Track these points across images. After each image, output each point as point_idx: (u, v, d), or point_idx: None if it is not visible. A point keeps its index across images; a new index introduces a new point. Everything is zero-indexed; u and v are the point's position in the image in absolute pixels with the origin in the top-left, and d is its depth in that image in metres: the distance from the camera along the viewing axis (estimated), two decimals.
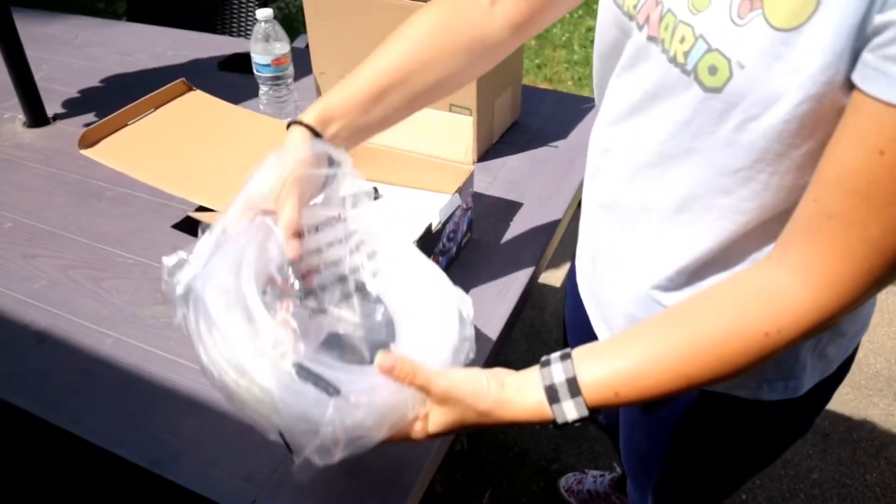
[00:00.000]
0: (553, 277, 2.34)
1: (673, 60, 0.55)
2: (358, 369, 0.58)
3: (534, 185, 1.19)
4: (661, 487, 0.92)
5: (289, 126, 0.68)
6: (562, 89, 3.33)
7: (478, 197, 1.14)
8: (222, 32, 2.05)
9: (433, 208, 0.90)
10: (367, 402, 0.54)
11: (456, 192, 0.94)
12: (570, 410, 0.57)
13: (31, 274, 1.02)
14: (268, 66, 1.27)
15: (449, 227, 0.95)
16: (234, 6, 2.06)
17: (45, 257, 1.05)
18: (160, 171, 1.01)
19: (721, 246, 0.61)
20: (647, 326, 0.58)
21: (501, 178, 1.21)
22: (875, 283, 0.49)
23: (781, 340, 0.52)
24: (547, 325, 2.16)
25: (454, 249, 1.00)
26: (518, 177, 1.21)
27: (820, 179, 0.50)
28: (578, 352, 0.58)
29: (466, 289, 0.96)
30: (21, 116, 1.41)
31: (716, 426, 0.77)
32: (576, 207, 1.20)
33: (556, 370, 0.58)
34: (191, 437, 0.77)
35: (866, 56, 0.44)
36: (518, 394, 0.59)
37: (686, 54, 0.53)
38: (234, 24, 2.07)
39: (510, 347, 2.08)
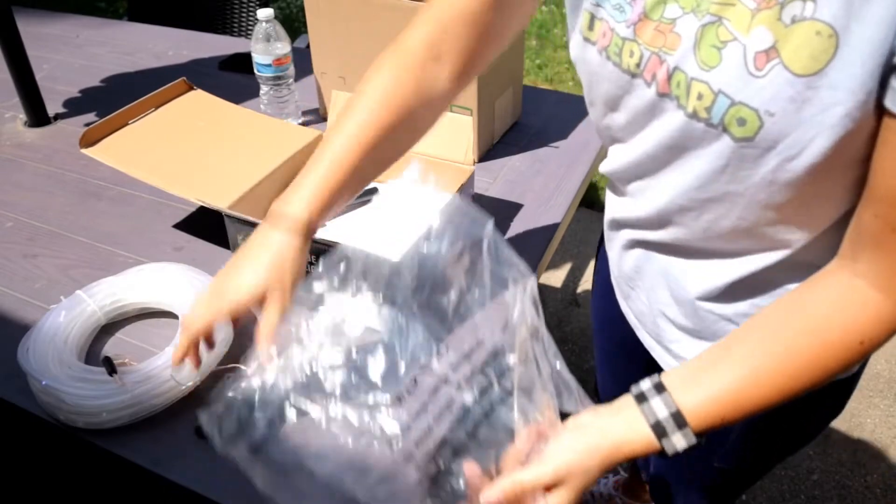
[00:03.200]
0: (553, 277, 2.34)
1: (694, 116, 0.55)
2: None
3: (534, 185, 1.18)
4: (694, 483, 0.92)
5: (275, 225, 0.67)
6: (563, 90, 3.33)
7: (478, 197, 1.14)
8: (223, 32, 2.05)
9: (433, 209, 0.90)
10: None
11: (456, 192, 0.94)
12: (680, 441, 0.57)
13: (31, 273, 1.02)
14: (269, 66, 1.27)
15: None
16: (235, 6, 2.06)
17: (45, 257, 1.05)
18: (161, 170, 1.01)
19: (772, 262, 0.63)
20: (739, 343, 0.58)
21: (502, 178, 1.21)
22: None
23: (870, 349, 0.55)
24: (547, 325, 2.16)
25: None
26: (519, 177, 1.21)
27: (874, 197, 0.51)
28: (671, 380, 0.58)
29: None
30: (22, 116, 1.41)
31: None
32: (576, 208, 1.20)
33: (658, 406, 0.57)
34: (191, 436, 0.77)
35: (895, 82, 0.46)
36: (627, 434, 0.58)
37: (708, 109, 0.53)
38: (235, 24, 2.07)
39: None
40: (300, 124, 1.32)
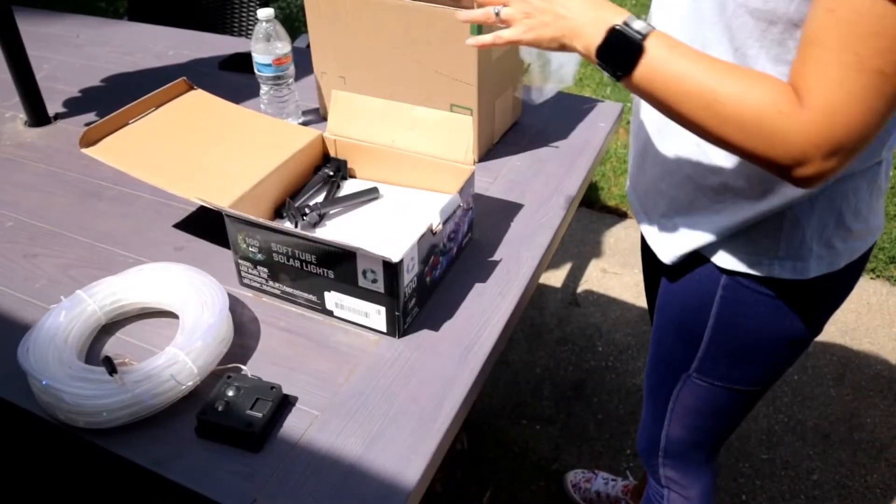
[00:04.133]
0: (553, 277, 2.34)
1: None
2: None
3: (534, 185, 1.19)
4: (679, 400, 1.01)
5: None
6: (563, 90, 3.32)
7: (478, 197, 1.14)
8: (223, 32, 2.05)
9: (433, 208, 0.90)
10: None
11: (457, 192, 0.94)
12: (640, 24, 0.69)
13: (31, 273, 1.02)
14: (269, 65, 1.27)
15: (449, 227, 0.95)
16: (236, 6, 2.06)
17: (45, 256, 1.05)
18: (161, 170, 1.01)
19: None
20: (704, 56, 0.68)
21: (502, 178, 1.21)
22: (861, 116, 0.59)
23: (781, 123, 0.61)
24: (547, 325, 2.16)
25: (454, 249, 1.00)
26: (519, 177, 1.21)
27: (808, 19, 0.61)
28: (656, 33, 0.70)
29: (467, 289, 0.97)
30: (22, 115, 1.41)
31: (739, 308, 0.88)
32: (576, 208, 1.20)
33: (635, 26, 0.69)
34: (191, 436, 0.77)
35: None
36: (596, 13, 0.72)
37: None
38: (236, 24, 2.07)
39: (510, 347, 2.08)
40: (300, 124, 1.32)
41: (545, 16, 0.74)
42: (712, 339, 0.92)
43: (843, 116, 0.59)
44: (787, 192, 0.77)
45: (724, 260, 0.86)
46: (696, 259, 0.89)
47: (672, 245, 0.91)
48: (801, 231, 0.80)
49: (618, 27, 0.69)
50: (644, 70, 0.68)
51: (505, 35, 0.79)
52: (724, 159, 0.80)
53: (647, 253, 1.10)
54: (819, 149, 0.61)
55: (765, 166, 0.65)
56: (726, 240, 0.85)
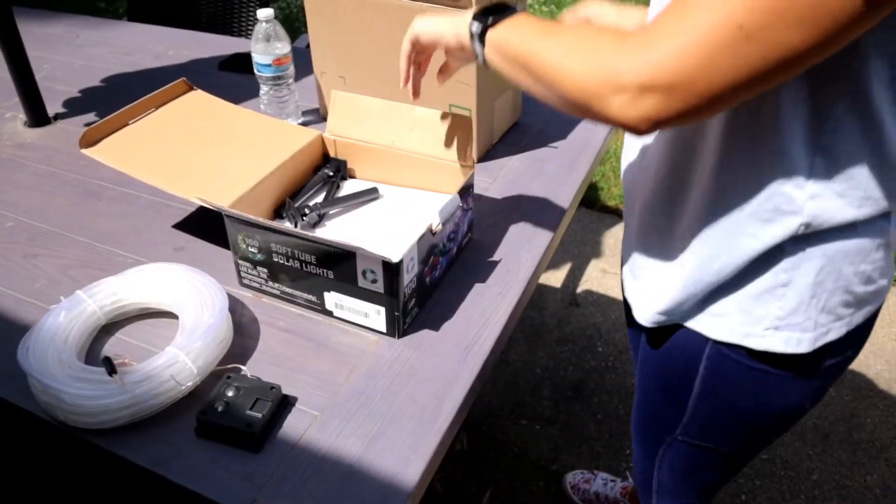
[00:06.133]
0: (553, 277, 2.34)
1: None
2: None
3: (534, 185, 1.19)
4: (667, 456, 0.94)
5: None
6: None
7: (478, 197, 1.14)
8: (223, 32, 2.05)
9: (433, 208, 0.90)
10: None
11: (456, 192, 0.94)
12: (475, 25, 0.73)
13: (31, 273, 1.02)
14: (269, 66, 1.27)
15: (449, 228, 0.95)
16: (235, 6, 2.06)
17: (45, 257, 1.05)
18: (161, 170, 1.01)
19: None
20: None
21: (502, 178, 1.21)
22: (695, 61, 0.51)
23: (605, 55, 0.56)
24: (547, 325, 2.16)
25: (454, 249, 1.00)
26: (518, 177, 1.21)
27: None
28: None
29: (467, 289, 0.97)
30: (22, 116, 1.41)
31: (727, 380, 0.80)
32: (576, 208, 1.20)
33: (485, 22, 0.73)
34: (191, 437, 0.77)
35: None
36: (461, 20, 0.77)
37: None
38: (235, 24, 2.07)
39: (510, 347, 2.08)
40: (300, 124, 1.32)
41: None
42: (697, 408, 0.85)
43: (671, 49, 0.52)
44: (755, 243, 0.69)
45: (709, 326, 0.77)
46: (678, 326, 0.81)
47: (650, 305, 0.82)
48: (799, 298, 0.71)
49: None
50: (499, 31, 0.71)
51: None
52: (700, 204, 0.73)
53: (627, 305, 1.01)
54: (635, 74, 0.54)
55: (584, 101, 0.60)
56: (709, 302, 0.76)
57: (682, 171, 0.73)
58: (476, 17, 0.74)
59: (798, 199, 0.65)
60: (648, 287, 0.82)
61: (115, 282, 0.90)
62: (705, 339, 0.78)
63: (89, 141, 1.03)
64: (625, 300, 0.99)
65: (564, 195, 1.16)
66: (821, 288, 0.70)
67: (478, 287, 0.97)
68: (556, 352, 2.08)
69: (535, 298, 2.25)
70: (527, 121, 1.37)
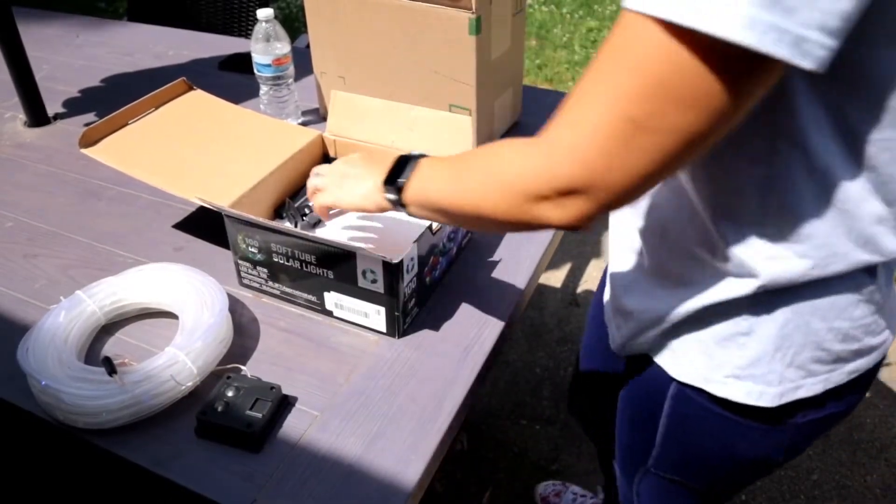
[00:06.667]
0: (553, 277, 2.34)
1: None
2: None
3: None
4: (643, 485, 0.92)
5: None
6: (563, 90, 3.32)
7: None
8: (223, 32, 2.05)
9: None
10: None
11: None
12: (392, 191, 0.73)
13: (31, 273, 1.02)
14: (268, 66, 1.27)
15: (449, 228, 0.95)
16: (235, 6, 2.06)
17: (45, 257, 1.05)
18: (161, 170, 1.01)
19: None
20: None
21: None
22: (599, 157, 0.50)
23: (516, 169, 0.57)
24: (547, 325, 2.16)
25: (454, 249, 1.00)
26: None
27: None
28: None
29: (467, 289, 0.97)
30: (22, 116, 1.41)
31: (692, 421, 0.77)
32: None
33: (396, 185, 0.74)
34: (191, 437, 0.77)
35: None
36: (374, 176, 0.78)
37: None
38: (235, 24, 2.07)
39: (510, 347, 2.08)
40: (300, 124, 1.32)
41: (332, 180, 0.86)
42: (664, 443, 0.82)
43: (572, 152, 0.51)
44: (713, 294, 0.67)
45: (672, 365, 0.74)
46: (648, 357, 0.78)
47: (620, 333, 0.80)
48: (762, 349, 0.67)
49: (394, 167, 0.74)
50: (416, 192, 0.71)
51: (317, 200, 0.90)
52: (657, 236, 0.71)
53: (599, 321, 0.99)
54: (547, 182, 0.53)
55: (517, 222, 0.60)
56: (672, 337, 0.73)
57: (652, 217, 0.72)
58: (386, 186, 0.74)
59: (751, 263, 0.63)
60: (619, 312, 0.80)
61: (115, 282, 0.90)
62: (670, 377, 0.75)
63: (89, 141, 1.03)
64: (595, 299, 0.99)
65: None
66: (787, 341, 0.66)
67: (478, 287, 0.97)
68: (556, 352, 2.08)
69: (535, 298, 2.24)
70: (527, 121, 1.37)
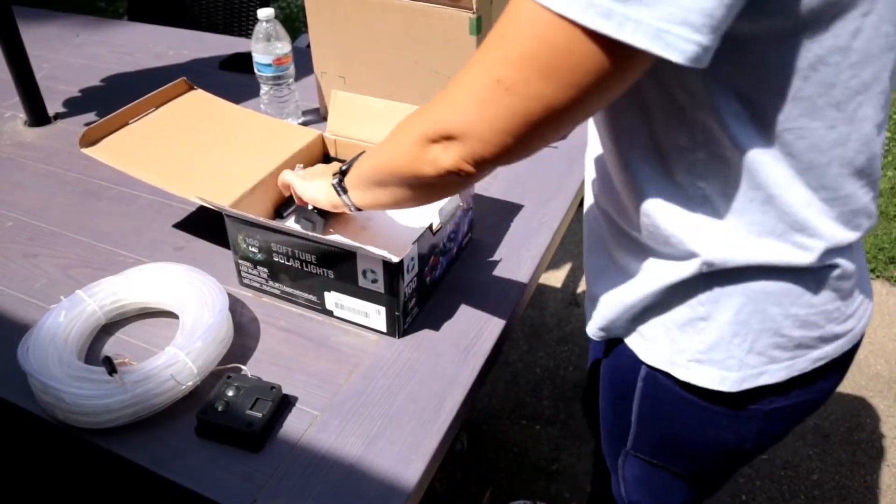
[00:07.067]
0: (553, 277, 2.34)
1: None
2: None
3: (534, 185, 1.19)
4: (626, 469, 0.93)
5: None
6: None
7: (478, 197, 1.14)
8: (223, 32, 2.05)
9: (433, 208, 0.90)
10: None
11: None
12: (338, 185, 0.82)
13: (31, 273, 1.02)
14: (269, 65, 1.27)
15: (449, 227, 0.95)
16: (236, 6, 2.06)
17: (45, 256, 1.05)
18: (161, 170, 1.01)
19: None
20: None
21: (502, 178, 1.21)
22: (470, 111, 0.56)
23: (421, 129, 0.61)
24: (547, 325, 2.16)
25: (454, 249, 1.00)
26: (518, 177, 1.21)
27: None
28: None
29: (467, 289, 0.97)
30: (22, 115, 1.41)
31: (661, 405, 0.78)
32: (576, 208, 1.20)
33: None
34: (191, 436, 0.77)
35: None
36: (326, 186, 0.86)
37: None
38: (236, 24, 2.07)
39: (510, 347, 2.08)
40: (300, 124, 1.32)
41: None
42: (638, 426, 0.83)
43: (450, 103, 0.58)
44: (667, 275, 0.68)
45: (641, 348, 0.76)
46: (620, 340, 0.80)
47: (593, 318, 0.82)
48: (719, 335, 0.68)
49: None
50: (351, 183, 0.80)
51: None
52: (612, 225, 0.74)
53: None
54: (430, 126, 0.60)
55: (414, 173, 0.66)
56: (640, 322, 0.75)
57: (602, 207, 0.76)
58: (334, 176, 0.83)
59: (691, 242, 0.65)
60: (591, 299, 0.82)
61: (115, 281, 0.90)
62: (640, 360, 0.77)
63: (89, 140, 1.03)
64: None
65: (564, 195, 1.16)
66: (744, 327, 0.67)
67: (478, 287, 0.97)
68: (556, 352, 2.08)
69: (535, 298, 2.25)
70: None
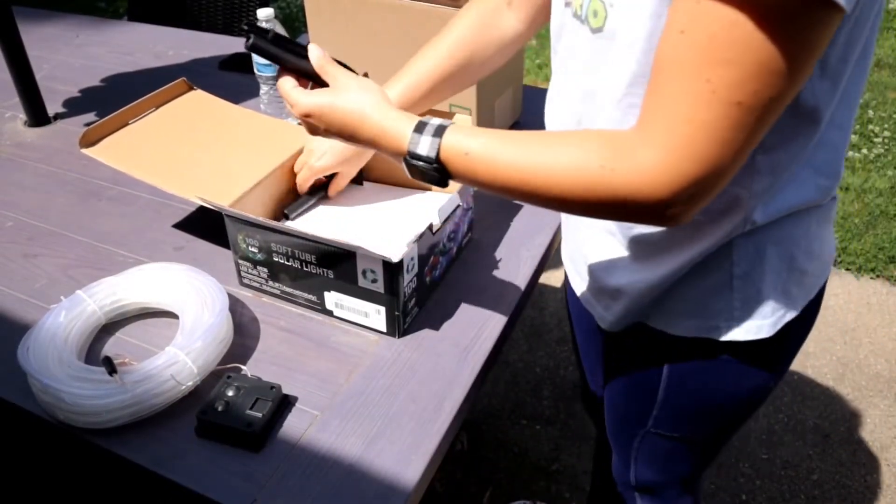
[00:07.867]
0: (553, 277, 2.34)
1: (575, 15, 0.68)
2: None
3: None
4: (642, 450, 0.95)
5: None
6: None
7: (478, 197, 1.14)
8: (223, 32, 2.05)
9: (433, 208, 0.90)
10: None
11: (456, 191, 0.94)
12: (425, 145, 0.65)
13: (31, 273, 1.02)
14: (269, 65, 1.27)
15: (449, 227, 0.95)
16: (236, 6, 2.06)
17: (45, 256, 1.05)
18: (161, 170, 1.01)
19: None
20: (516, 135, 0.65)
21: None
22: (716, 150, 0.53)
23: (614, 181, 0.57)
24: (547, 325, 2.16)
25: (454, 249, 1.00)
26: None
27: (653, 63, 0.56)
28: (453, 129, 0.66)
29: (467, 288, 0.97)
30: (22, 115, 1.41)
31: (693, 373, 0.82)
32: None
33: (435, 120, 0.67)
34: (191, 436, 0.77)
35: None
36: (388, 124, 0.68)
37: (580, 6, 0.67)
38: (236, 24, 2.07)
39: (510, 347, 2.08)
40: (300, 124, 1.31)
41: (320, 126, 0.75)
42: (666, 399, 0.86)
43: (691, 152, 0.53)
44: (704, 242, 0.70)
45: (670, 323, 0.78)
46: (641, 324, 0.81)
47: (612, 311, 0.83)
48: (755, 286, 0.73)
49: (407, 159, 0.67)
50: (461, 178, 0.66)
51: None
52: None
53: (577, 311, 1.03)
54: (672, 190, 0.55)
55: (634, 220, 0.64)
56: (666, 301, 0.77)
57: None
58: (419, 135, 0.66)
59: (743, 199, 0.67)
60: (602, 293, 0.83)
61: (115, 281, 0.90)
62: (669, 336, 0.79)
63: (89, 140, 1.03)
64: (569, 293, 1.01)
65: None
66: (773, 273, 0.73)
67: (478, 287, 0.97)
68: (556, 352, 2.08)
69: (535, 298, 2.25)
70: (527, 120, 1.37)
